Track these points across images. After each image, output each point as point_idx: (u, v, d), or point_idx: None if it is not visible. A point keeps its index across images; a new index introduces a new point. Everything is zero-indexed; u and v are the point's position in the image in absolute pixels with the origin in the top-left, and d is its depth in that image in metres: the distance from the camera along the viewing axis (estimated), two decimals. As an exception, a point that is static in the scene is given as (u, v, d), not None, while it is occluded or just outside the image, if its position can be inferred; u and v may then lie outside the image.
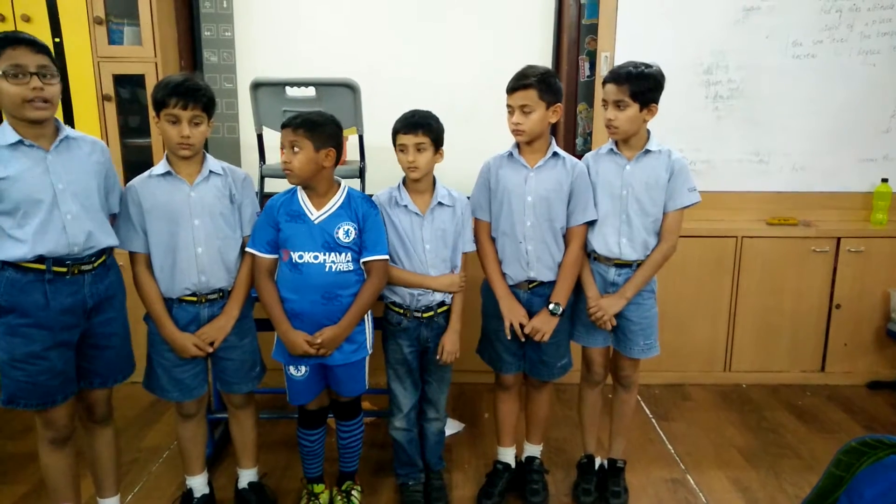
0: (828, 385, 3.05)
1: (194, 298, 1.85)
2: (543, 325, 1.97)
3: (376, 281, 1.88)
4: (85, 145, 1.70)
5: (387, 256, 1.89)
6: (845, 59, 2.97)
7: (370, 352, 1.97)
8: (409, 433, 2.08)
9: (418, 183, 1.94)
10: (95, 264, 1.69)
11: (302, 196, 1.87)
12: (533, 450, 2.23)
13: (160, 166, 1.82)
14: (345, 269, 1.85)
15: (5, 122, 1.60)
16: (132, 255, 1.84)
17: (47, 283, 1.61)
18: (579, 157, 2.05)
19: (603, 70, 2.90)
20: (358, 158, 2.47)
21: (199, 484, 2.06)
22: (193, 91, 1.73)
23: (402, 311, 1.98)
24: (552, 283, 2.00)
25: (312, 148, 1.79)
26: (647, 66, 1.88)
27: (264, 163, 2.53)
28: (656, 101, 1.90)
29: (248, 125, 2.96)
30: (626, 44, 2.89)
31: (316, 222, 1.84)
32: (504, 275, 2.02)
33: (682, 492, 2.25)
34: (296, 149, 1.78)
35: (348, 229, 1.85)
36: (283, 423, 2.61)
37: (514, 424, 2.20)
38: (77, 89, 2.75)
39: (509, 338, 1.99)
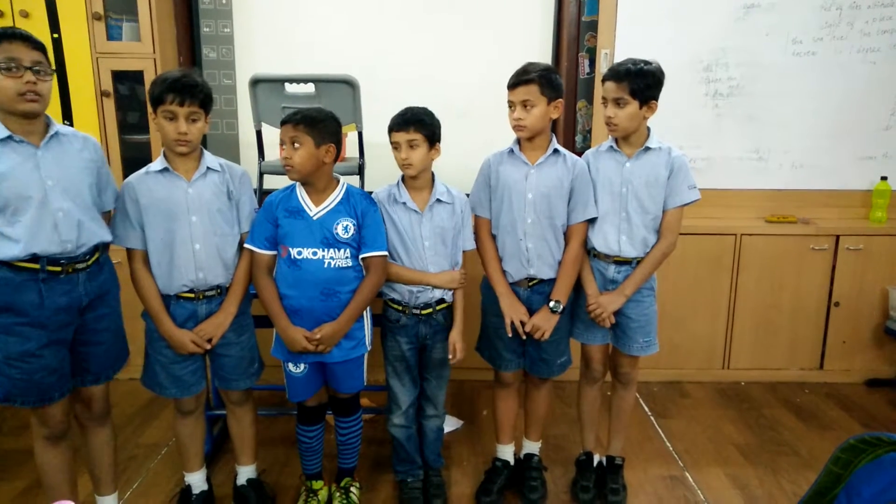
0: (826, 382, 3.06)
1: (192, 295, 1.85)
2: (543, 323, 1.97)
3: (375, 277, 1.87)
4: (76, 142, 1.69)
5: (385, 253, 1.89)
6: (845, 56, 2.97)
7: (369, 348, 1.97)
8: (408, 430, 2.08)
9: (416, 180, 1.93)
10: (89, 262, 1.69)
11: (301, 192, 1.87)
12: (532, 447, 2.24)
13: (157, 163, 1.81)
14: (343, 266, 1.84)
15: None
16: (130, 251, 1.83)
17: (41, 282, 1.60)
18: (579, 154, 2.05)
19: (602, 67, 2.89)
20: (357, 155, 2.47)
21: (197, 480, 2.06)
22: (190, 87, 1.72)
23: (400, 308, 1.97)
24: (552, 281, 2.00)
25: (313, 144, 1.79)
26: (647, 62, 1.88)
27: (263, 159, 2.53)
28: (656, 98, 1.89)
29: (247, 122, 2.96)
30: (625, 41, 2.89)
31: (315, 218, 1.84)
32: (504, 272, 2.02)
33: (681, 489, 2.25)
34: (296, 144, 1.78)
35: (347, 225, 1.84)
36: (282, 419, 2.61)
37: (513, 422, 2.21)
38: (75, 85, 2.75)
39: (510, 335, 2.00)
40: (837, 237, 2.94)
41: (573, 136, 3.11)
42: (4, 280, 1.58)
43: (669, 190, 1.95)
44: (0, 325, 1.60)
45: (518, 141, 1.99)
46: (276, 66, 2.89)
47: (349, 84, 2.32)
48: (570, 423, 2.61)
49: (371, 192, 1.98)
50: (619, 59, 1.99)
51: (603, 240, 2.00)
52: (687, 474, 2.34)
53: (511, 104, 1.92)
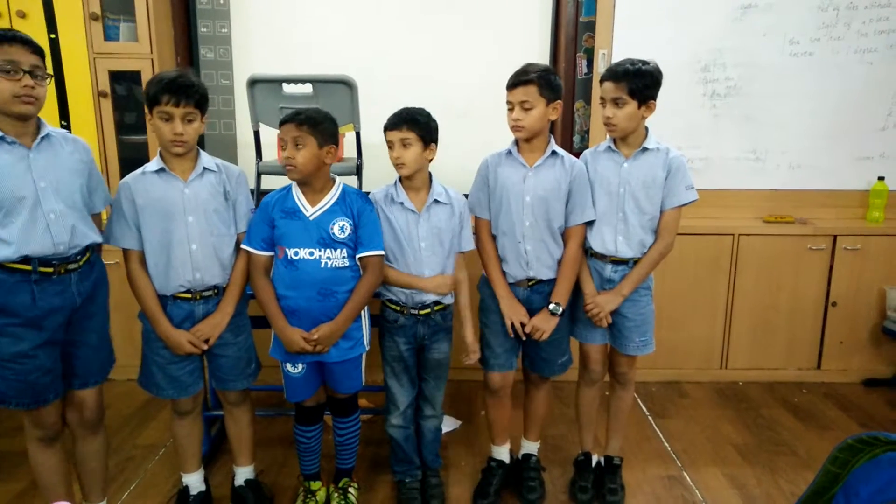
0: (824, 382, 3.06)
1: (189, 295, 1.84)
2: (543, 325, 1.97)
3: (372, 277, 1.87)
4: (67, 144, 1.68)
5: (382, 252, 1.89)
6: (842, 57, 2.97)
7: (367, 348, 1.96)
8: (406, 430, 2.08)
9: (412, 180, 1.93)
10: (81, 262, 1.68)
11: (297, 193, 1.87)
12: (530, 447, 2.23)
13: (154, 163, 1.81)
14: (340, 266, 1.84)
15: None
16: (126, 252, 1.83)
17: (34, 283, 1.59)
18: (576, 155, 2.05)
19: (600, 67, 2.90)
20: (355, 155, 2.47)
21: (195, 481, 2.06)
22: (186, 88, 1.72)
23: (398, 308, 1.97)
24: (551, 281, 2.00)
25: (316, 144, 1.79)
26: (645, 62, 1.88)
27: (261, 159, 2.52)
28: (654, 98, 1.89)
29: (244, 122, 2.96)
30: (623, 41, 2.89)
31: (311, 219, 1.84)
32: (504, 273, 2.02)
33: (679, 489, 2.25)
34: (299, 145, 1.78)
35: (343, 225, 1.84)
36: (280, 420, 2.61)
37: (507, 425, 2.20)
38: (73, 86, 2.74)
39: (511, 336, 2.00)
40: (835, 237, 2.94)
41: (571, 136, 3.11)
42: None
43: (667, 190, 1.95)
44: None
45: (516, 142, 1.98)
46: (273, 66, 2.89)
47: (347, 84, 2.32)
48: (568, 423, 2.61)
49: (368, 193, 1.98)
50: (616, 59, 1.99)
51: (600, 240, 2.00)
52: (685, 474, 2.34)
53: (510, 105, 1.91)
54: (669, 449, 2.51)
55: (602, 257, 2.01)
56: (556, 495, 2.20)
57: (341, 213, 1.85)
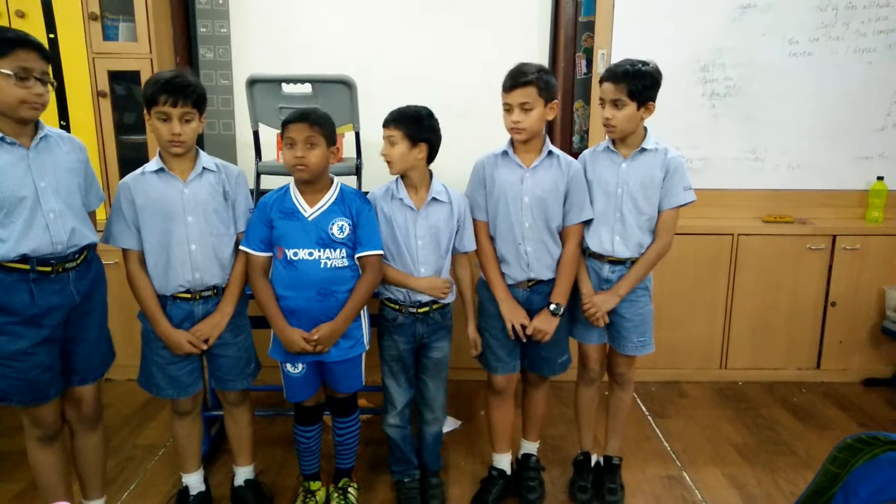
0: (823, 382, 3.06)
1: (188, 295, 1.84)
2: (545, 326, 1.97)
3: (371, 276, 1.87)
4: (63, 143, 1.69)
5: (381, 252, 1.89)
6: (841, 57, 2.97)
7: (367, 348, 1.97)
8: (403, 430, 2.07)
9: (408, 178, 1.93)
10: (78, 261, 1.68)
11: (295, 193, 1.87)
12: (530, 447, 2.23)
13: (153, 163, 1.81)
14: (339, 266, 1.84)
15: None
16: (126, 252, 1.83)
17: (32, 282, 1.59)
18: (576, 155, 2.04)
19: (600, 67, 2.90)
20: (354, 155, 2.47)
21: (194, 481, 2.06)
22: (183, 88, 1.72)
23: (397, 307, 1.97)
24: (551, 281, 2.00)
25: (326, 145, 1.79)
26: (644, 63, 1.87)
27: (261, 159, 2.52)
28: (653, 99, 1.89)
29: (244, 122, 2.95)
30: (622, 41, 2.89)
31: (310, 219, 1.84)
32: (503, 275, 2.01)
33: (678, 489, 2.25)
34: (311, 145, 1.77)
35: (342, 225, 1.84)
36: (280, 420, 2.61)
37: (510, 431, 2.18)
38: (72, 86, 2.74)
39: (512, 338, 2.00)
40: (834, 237, 2.95)
41: (570, 136, 3.11)
42: None
43: (665, 191, 1.95)
44: None
45: (512, 143, 1.98)
46: (272, 66, 2.89)
47: (346, 84, 2.32)
48: (567, 423, 2.61)
49: (367, 193, 1.97)
50: (615, 59, 1.99)
51: (597, 240, 2.00)
52: (684, 474, 2.34)
53: (507, 107, 1.89)
54: (669, 449, 2.51)
55: (599, 257, 2.01)
56: (555, 495, 2.20)
57: (340, 213, 1.85)
